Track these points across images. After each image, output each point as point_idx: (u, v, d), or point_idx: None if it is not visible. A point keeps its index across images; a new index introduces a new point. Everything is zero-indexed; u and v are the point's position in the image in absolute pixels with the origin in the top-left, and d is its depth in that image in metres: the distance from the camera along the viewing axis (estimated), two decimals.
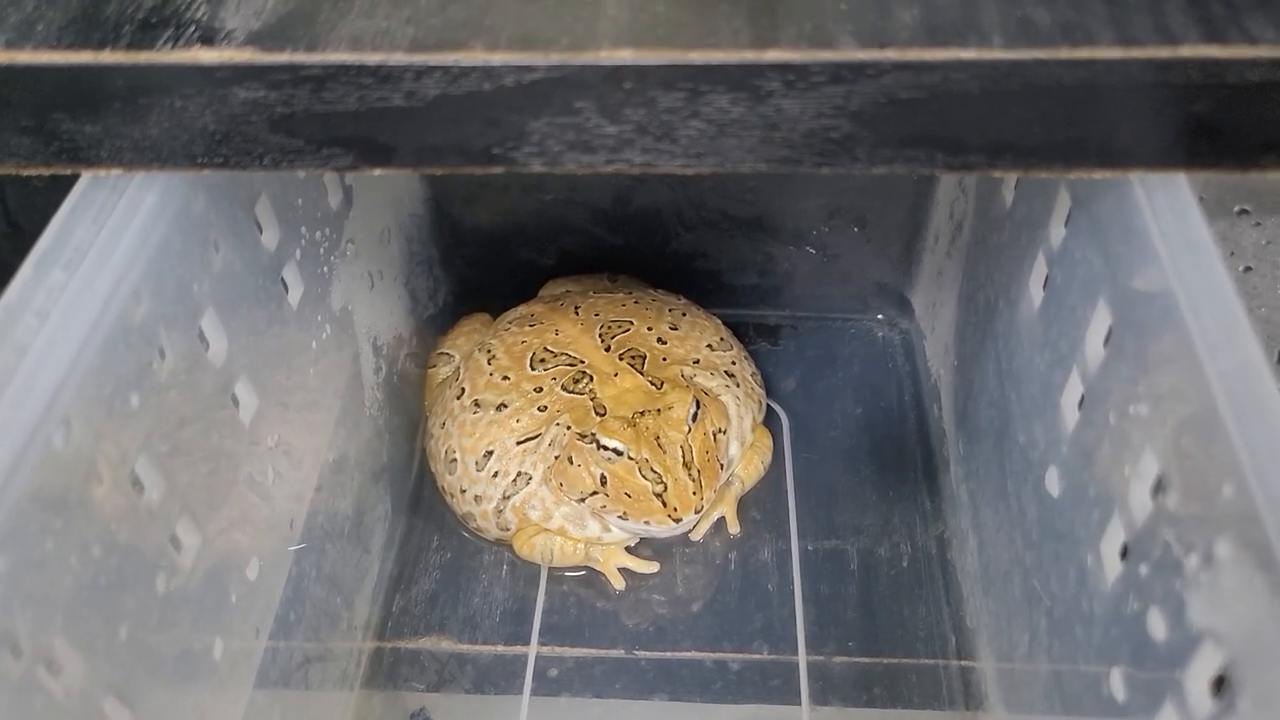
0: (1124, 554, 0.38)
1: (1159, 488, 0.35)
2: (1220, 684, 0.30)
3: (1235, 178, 0.41)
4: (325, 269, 0.53)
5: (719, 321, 0.69)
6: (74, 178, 0.39)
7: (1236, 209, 0.48)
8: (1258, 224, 0.47)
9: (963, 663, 0.58)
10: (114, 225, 0.38)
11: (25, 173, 0.39)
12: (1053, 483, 0.45)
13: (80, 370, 0.33)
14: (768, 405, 0.69)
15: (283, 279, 0.49)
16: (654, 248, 0.75)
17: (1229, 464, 0.29)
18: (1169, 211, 0.36)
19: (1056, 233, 0.46)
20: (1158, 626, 0.34)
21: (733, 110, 0.36)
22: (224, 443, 0.43)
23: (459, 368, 0.67)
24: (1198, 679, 0.31)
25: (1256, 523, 0.28)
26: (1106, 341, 0.40)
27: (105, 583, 0.34)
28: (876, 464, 0.68)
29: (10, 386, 0.32)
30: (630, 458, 0.56)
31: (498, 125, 0.37)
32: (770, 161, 0.37)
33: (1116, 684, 0.37)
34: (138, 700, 0.36)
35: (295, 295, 0.50)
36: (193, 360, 0.40)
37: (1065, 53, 0.34)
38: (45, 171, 0.39)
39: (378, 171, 0.39)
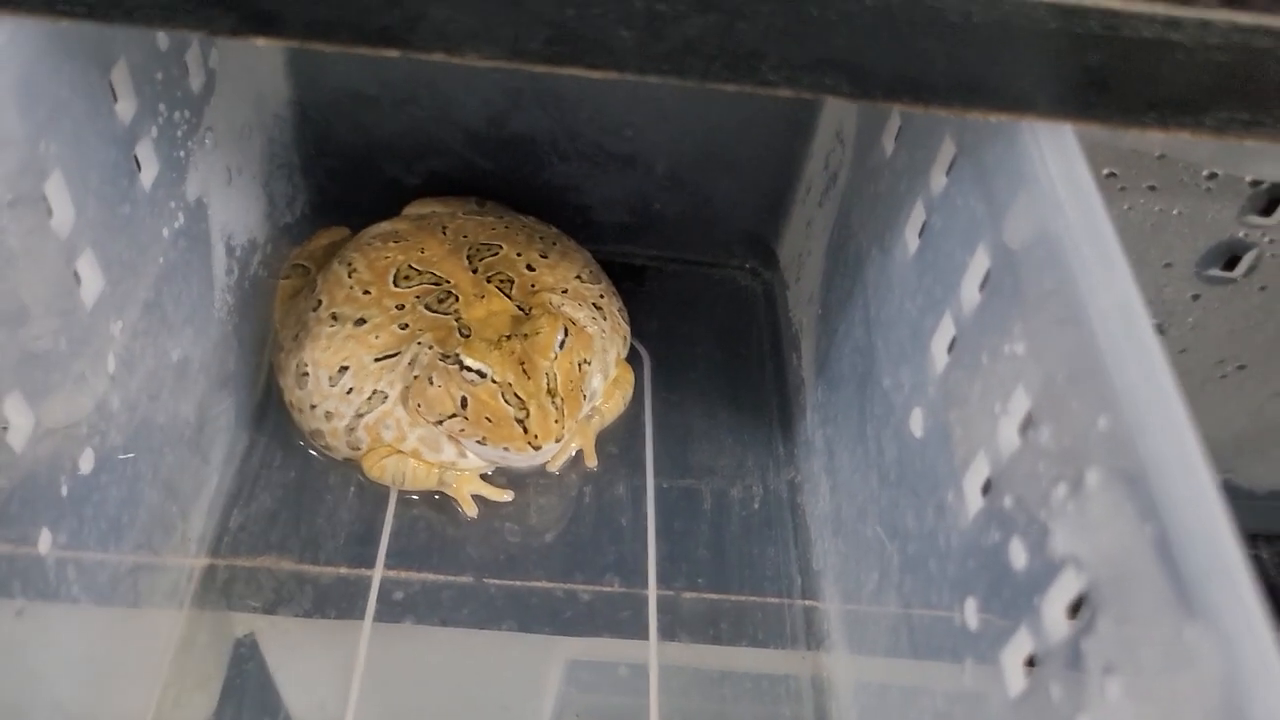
0: (986, 489, 0.39)
1: (1028, 423, 0.36)
2: (1077, 607, 0.31)
3: (1106, 140, 0.43)
4: (182, 154, 0.49)
5: (589, 254, 0.68)
6: None
7: (1105, 172, 0.50)
8: (1123, 189, 0.49)
9: (807, 603, 0.59)
10: None
11: None
12: (916, 424, 0.46)
13: None
14: (631, 344, 0.68)
15: (136, 156, 0.45)
16: (525, 176, 0.73)
17: (1105, 397, 0.31)
18: (1056, 159, 0.37)
19: (938, 181, 0.47)
20: (1018, 556, 0.35)
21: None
22: (63, 321, 0.39)
23: (316, 279, 0.64)
24: (1055, 603, 0.32)
25: (1130, 450, 0.29)
26: (983, 286, 0.41)
27: None
28: (733, 408, 0.69)
29: None
30: (494, 381, 0.55)
31: (397, 2, 0.35)
32: (681, 72, 0.36)
33: (970, 613, 0.38)
34: None
35: (149, 175, 0.46)
36: (34, 225, 0.37)
37: None
38: None
39: (260, 41, 0.36)
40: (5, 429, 0.36)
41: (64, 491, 0.40)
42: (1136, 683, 0.27)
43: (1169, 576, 0.27)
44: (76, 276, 0.40)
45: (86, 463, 0.42)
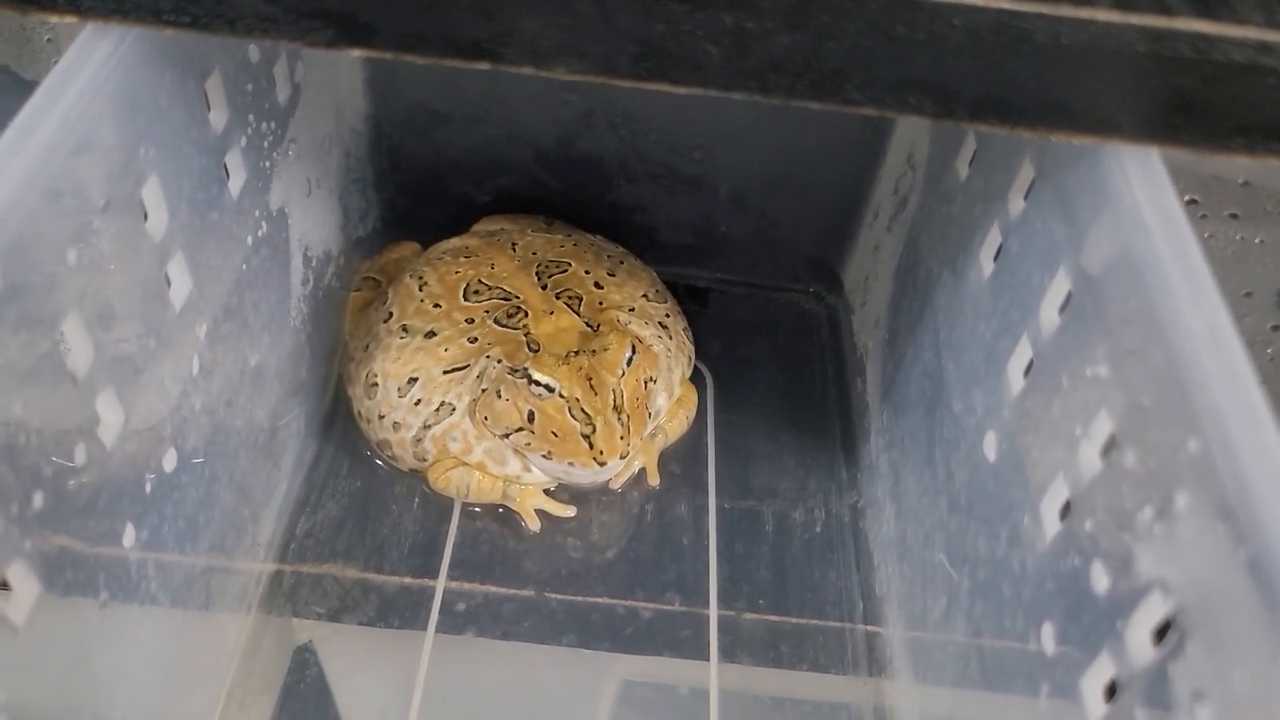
0: (1064, 513, 0.38)
1: (1110, 446, 0.35)
2: (1163, 631, 0.31)
3: (1188, 166, 0.42)
4: (267, 164, 0.51)
5: (654, 274, 0.69)
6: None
7: (1186, 199, 0.49)
8: (1204, 216, 0.49)
9: (869, 628, 0.58)
10: (60, 74, 0.35)
11: None
12: (989, 448, 0.45)
13: (14, 223, 0.31)
14: (694, 365, 0.68)
15: (225, 164, 0.46)
16: (593, 196, 0.73)
17: (1196, 419, 0.30)
18: (1142, 182, 0.37)
19: (1015, 205, 0.46)
20: (1100, 580, 0.34)
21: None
22: (153, 322, 0.40)
23: (387, 292, 0.65)
24: (1140, 627, 0.32)
25: (1223, 473, 0.28)
26: (1063, 309, 0.41)
27: (25, 443, 0.32)
28: (796, 431, 0.68)
29: None
30: (561, 395, 0.55)
31: (489, 17, 0.36)
32: (766, 89, 0.37)
33: (1047, 639, 0.38)
34: (47, 573, 0.33)
35: (236, 184, 0.47)
36: (131, 227, 0.38)
37: (1067, 10, 0.35)
38: None
39: (356, 52, 0.37)
40: (98, 423, 0.37)
41: (148, 489, 0.41)
42: (1229, 708, 0.27)
43: (1265, 599, 0.26)
44: (167, 279, 0.41)
45: (169, 462, 0.42)
